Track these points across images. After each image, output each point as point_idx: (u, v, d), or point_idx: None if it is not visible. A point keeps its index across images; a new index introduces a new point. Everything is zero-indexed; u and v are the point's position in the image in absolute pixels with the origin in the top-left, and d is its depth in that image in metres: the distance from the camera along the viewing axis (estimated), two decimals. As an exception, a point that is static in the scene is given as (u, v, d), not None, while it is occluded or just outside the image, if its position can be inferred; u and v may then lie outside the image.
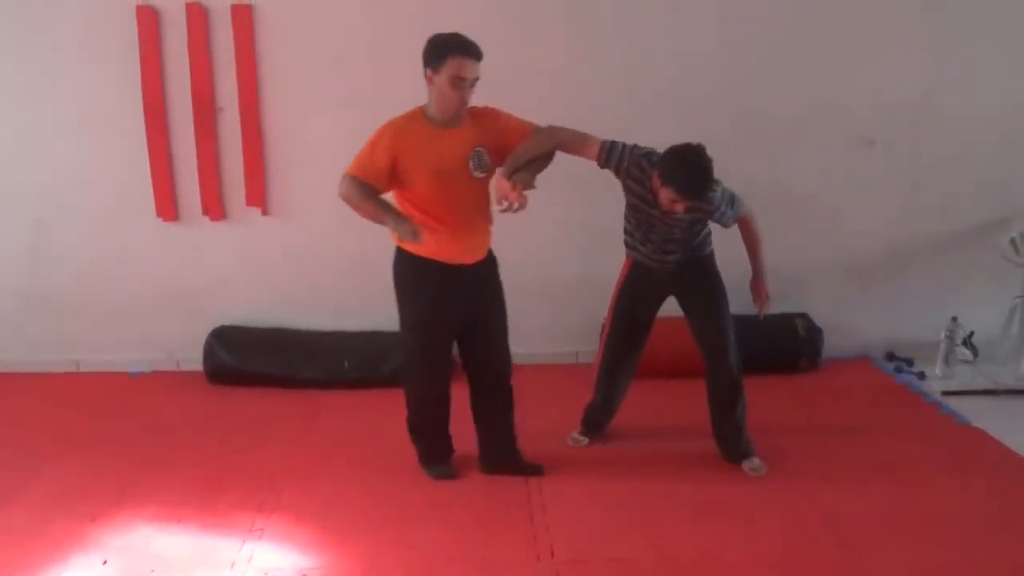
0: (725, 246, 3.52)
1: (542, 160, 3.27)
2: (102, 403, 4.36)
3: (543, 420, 3.93)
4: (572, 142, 3.30)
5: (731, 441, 3.60)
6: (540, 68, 4.35)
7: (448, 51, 3.08)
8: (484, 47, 4.32)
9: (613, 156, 3.28)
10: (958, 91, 4.59)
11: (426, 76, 3.14)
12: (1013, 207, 4.62)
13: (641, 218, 3.39)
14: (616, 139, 3.30)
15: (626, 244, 3.57)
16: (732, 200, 3.32)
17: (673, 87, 4.43)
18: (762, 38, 4.47)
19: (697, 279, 3.50)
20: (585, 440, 3.82)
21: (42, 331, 4.70)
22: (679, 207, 3.19)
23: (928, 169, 4.68)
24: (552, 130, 3.28)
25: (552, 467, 3.58)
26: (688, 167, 3.13)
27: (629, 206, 3.42)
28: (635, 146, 3.30)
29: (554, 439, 3.80)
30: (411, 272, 3.31)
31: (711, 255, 3.53)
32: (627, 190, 3.36)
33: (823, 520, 3.19)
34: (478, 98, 3.42)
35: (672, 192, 3.15)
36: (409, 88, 4.39)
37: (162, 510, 3.28)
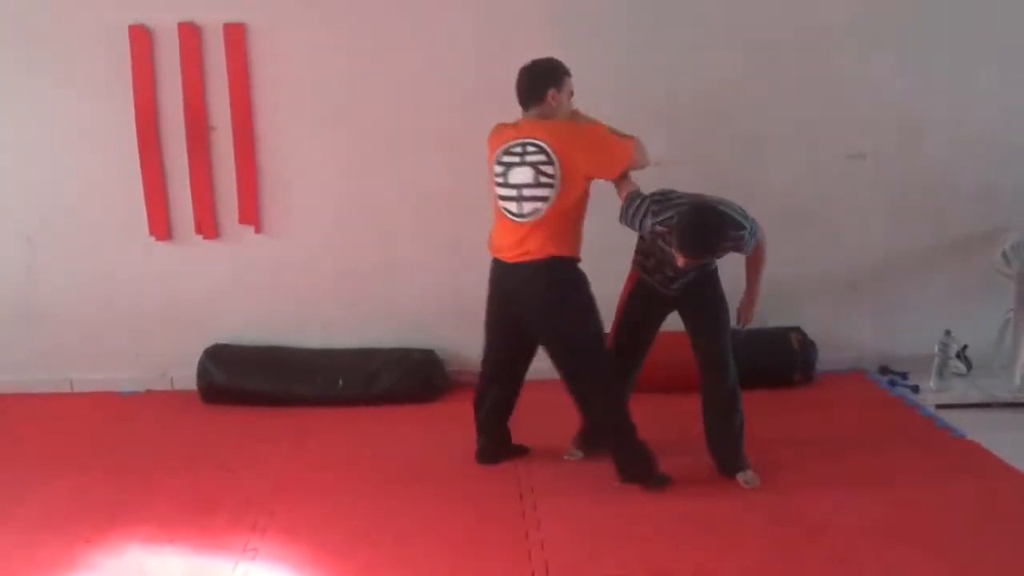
0: (727, 261, 3.54)
1: None
2: (95, 423, 4.34)
3: (537, 436, 3.92)
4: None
5: (727, 455, 3.59)
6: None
7: (565, 72, 3.41)
8: (473, 63, 4.39)
9: (626, 218, 3.36)
10: (948, 105, 4.62)
11: (548, 96, 3.36)
12: (1004, 220, 4.63)
13: (664, 257, 3.40)
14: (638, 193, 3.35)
15: (636, 263, 3.58)
16: (754, 232, 3.35)
17: (665, 103, 4.44)
18: (754, 53, 4.49)
19: (701, 293, 3.50)
20: (580, 454, 3.82)
21: (35, 350, 4.69)
22: (689, 266, 3.27)
23: (919, 182, 4.69)
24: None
25: (546, 484, 3.58)
26: (696, 237, 3.17)
27: (647, 242, 3.44)
28: (652, 212, 3.28)
29: (549, 455, 3.79)
30: (584, 279, 3.47)
31: (715, 270, 3.55)
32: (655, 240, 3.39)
33: (818, 534, 3.18)
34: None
35: (682, 256, 3.20)
36: (402, 106, 4.47)
37: (155, 531, 3.26)
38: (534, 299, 3.43)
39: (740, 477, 3.55)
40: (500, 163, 3.40)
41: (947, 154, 4.68)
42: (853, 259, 4.80)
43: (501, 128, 3.48)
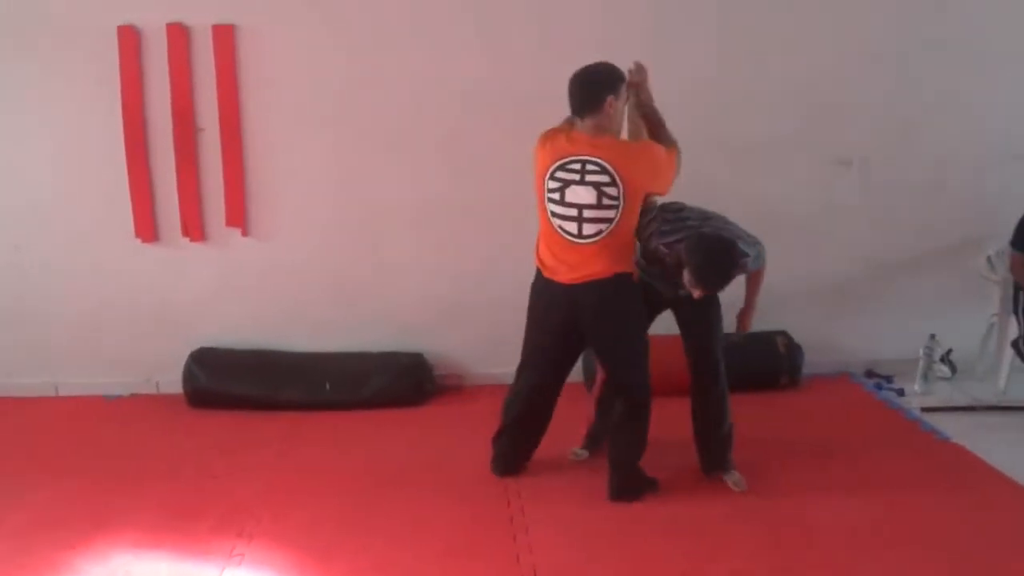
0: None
1: None
2: (80, 428, 4.31)
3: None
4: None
5: (715, 456, 3.62)
6: (516, 88, 4.39)
7: (623, 78, 3.28)
8: (466, 63, 4.39)
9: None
10: (933, 113, 4.66)
11: (605, 105, 3.22)
12: (988, 226, 4.66)
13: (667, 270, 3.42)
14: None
15: (636, 263, 3.57)
16: (759, 255, 3.39)
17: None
18: (741, 60, 4.51)
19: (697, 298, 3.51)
20: (586, 454, 3.85)
21: (20, 354, 4.64)
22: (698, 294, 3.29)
23: (905, 189, 4.73)
24: None
25: (535, 488, 3.58)
26: (712, 274, 3.21)
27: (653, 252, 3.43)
28: (660, 232, 3.31)
29: (537, 459, 3.74)
30: (639, 290, 3.42)
31: None
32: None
33: (805, 536, 3.20)
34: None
35: (698, 291, 3.24)
36: (392, 108, 4.46)
37: (141, 536, 3.24)
38: (599, 315, 3.36)
39: (728, 479, 3.57)
40: (554, 178, 3.25)
41: (933, 161, 4.72)
42: (839, 264, 4.84)
43: (554, 137, 3.33)
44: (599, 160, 3.19)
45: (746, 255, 3.29)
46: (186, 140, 4.43)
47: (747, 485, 3.55)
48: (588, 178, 3.20)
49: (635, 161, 3.24)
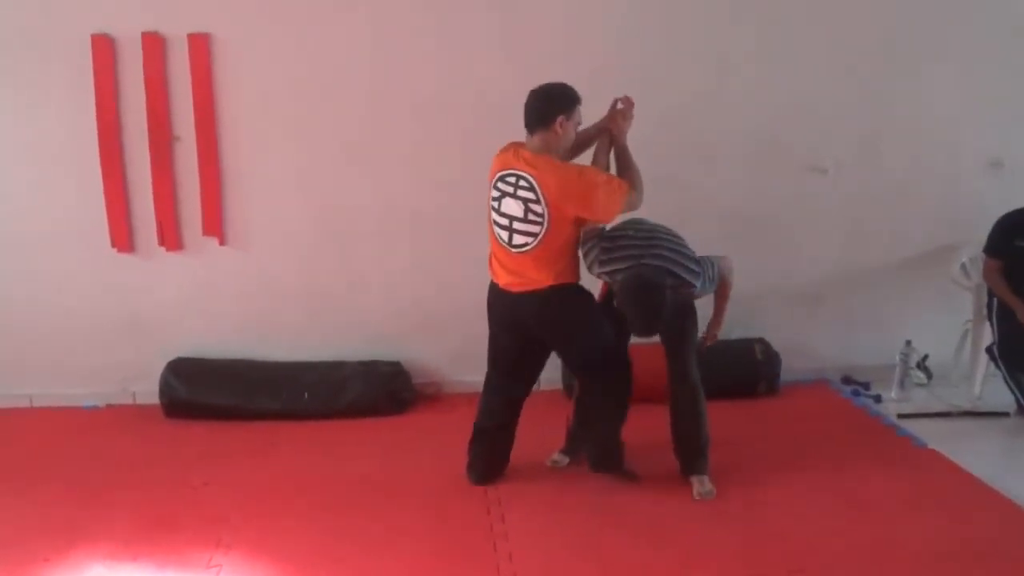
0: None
1: None
2: (55, 439, 4.26)
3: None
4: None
5: (689, 460, 3.63)
6: (479, 95, 4.42)
7: (577, 100, 3.35)
8: (437, 74, 4.39)
9: (583, 250, 3.45)
10: (907, 121, 4.71)
11: (556, 123, 3.30)
12: (963, 233, 4.71)
13: None
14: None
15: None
16: (713, 278, 3.43)
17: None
18: (715, 68, 4.54)
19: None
20: (566, 460, 3.84)
21: (-6, 365, 4.60)
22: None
23: (880, 196, 4.78)
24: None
25: (514, 496, 3.58)
26: (640, 321, 3.30)
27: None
28: (599, 261, 3.37)
29: (516, 466, 3.75)
30: (585, 297, 3.49)
31: None
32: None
33: (781, 544, 3.21)
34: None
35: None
36: (367, 118, 4.45)
37: (117, 548, 3.21)
38: (542, 326, 3.46)
39: (696, 487, 3.57)
40: (496, 188, 3.39)
41: (908, 167, 4.76)
42: (816, 271, 4.87)
43: (507, 148, 3.44)
44: (529, 177, 3.29)
45: (690, 285, 3.34)
46: (162, 149, 4.40)
47: (716, 494, 3.55)
48: (519, 193, 3.31)
49: (564, 185, 3.28)
